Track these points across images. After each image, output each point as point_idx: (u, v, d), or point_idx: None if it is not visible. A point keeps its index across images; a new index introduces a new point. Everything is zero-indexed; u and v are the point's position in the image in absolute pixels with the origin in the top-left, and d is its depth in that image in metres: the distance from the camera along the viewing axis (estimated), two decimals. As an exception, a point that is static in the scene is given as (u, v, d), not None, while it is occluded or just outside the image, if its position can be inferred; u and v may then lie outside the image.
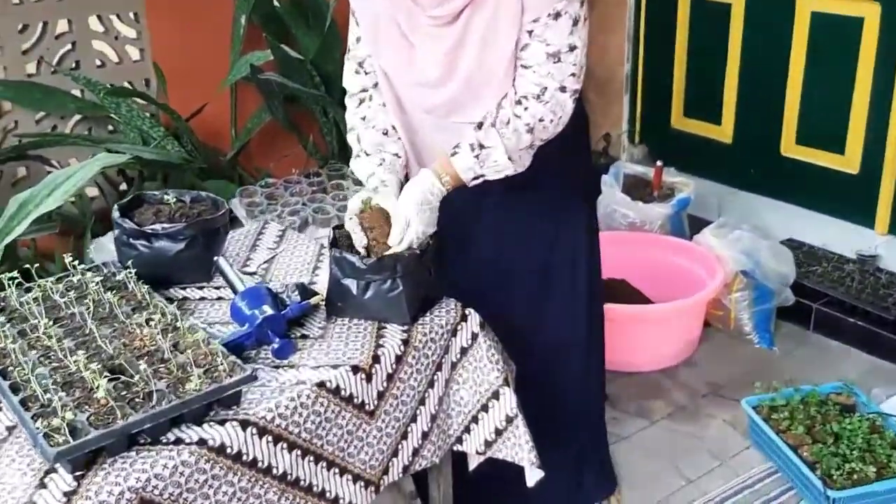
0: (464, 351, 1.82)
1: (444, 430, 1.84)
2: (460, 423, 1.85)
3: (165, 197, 2.02)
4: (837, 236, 3.53)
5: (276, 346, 1.64)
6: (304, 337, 1.74)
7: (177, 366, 1.52)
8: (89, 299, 1.73)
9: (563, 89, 1.76)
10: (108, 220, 3.24)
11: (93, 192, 3.36)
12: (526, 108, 1.76)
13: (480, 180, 1.81)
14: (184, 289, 1.95)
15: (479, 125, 1.79)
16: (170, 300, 1.90)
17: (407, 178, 1.91)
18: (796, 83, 3.61)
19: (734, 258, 3.13)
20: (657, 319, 3.05)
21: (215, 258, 1.91)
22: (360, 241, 1.76)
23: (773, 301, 3.18)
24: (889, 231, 3.43)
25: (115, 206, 2.00)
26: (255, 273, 2.02)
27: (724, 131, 3.96)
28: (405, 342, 1.72)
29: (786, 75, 3.63)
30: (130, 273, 1.79)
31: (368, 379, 1.65)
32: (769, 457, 2.59)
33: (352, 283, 1.75)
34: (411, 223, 1.75)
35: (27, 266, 1.82)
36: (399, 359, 1.70)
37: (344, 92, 2.01)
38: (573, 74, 1.75)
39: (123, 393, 1.46)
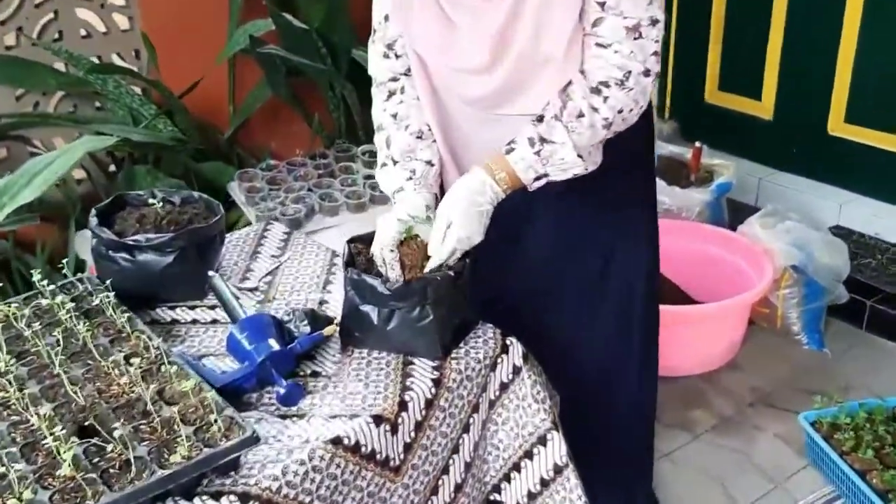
0: (503, 387, 1.54)
1: (479, 479, 1.57)
2: (498, 470, 1.58)
3: (151, 200, 1.73)
4: (892, 224, 3.24)
5: (282, 391, 1.37)
6: (314, 374, 1.46)
7: (161, 423, 1.24)
8: (59, 331, 1.44)
9: (646, 73, 1.45)
10: (95, 206, 3.01)
11: (79, 173, 3.07)
12: (606, 99, 1.46)
13: (543, 182, 1.51)
14: (172, 308, 1.67)
15: (539, 117, 1.49)
16: (156, 323, 1.63)
17: (442, 189, 1.62)
18: (848, 54, 3.30)
19: (784, 251, 2.84)
20: (700, 321, 2.77)
21: (210, 274, 1.63)
22: (394, 276, 1.47)
23: (825, 299, 2.90)
24: (950, 219, 3.16)
25: (93, 211, 1.71)
26: (255, 289, 1.74)
27: (764, 107, 3.65)
28: (436, 382, 1.44)
29: (836, 45, 3.32)
30: (108, 297, 1.50)
31: (394, 430, 1.37)
32: (831, 481, 2.33)
33: (372, 311, 1.46)
34: (454, 224, 1.47)
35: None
36: (430, 403, 1.42)
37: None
38: (655, 53, 1.45)
39: (96, 460, 1.19)
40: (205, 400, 1.28)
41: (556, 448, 1.52)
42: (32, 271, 1.56)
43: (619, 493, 2.06)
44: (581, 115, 1.46)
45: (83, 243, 2.74)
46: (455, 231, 1.46)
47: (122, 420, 1.25)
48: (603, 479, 1.82)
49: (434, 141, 1.64)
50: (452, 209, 1.47)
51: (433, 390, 1.43)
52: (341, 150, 3.20)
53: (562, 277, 1.75)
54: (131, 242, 1.62)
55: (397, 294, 1.43)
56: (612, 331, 1.85)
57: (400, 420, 1.38)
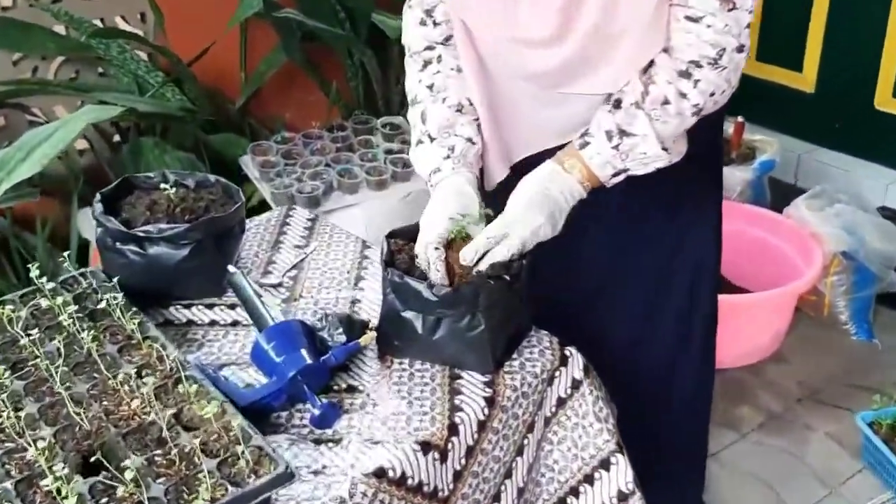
0: (561, 402, 1.37)
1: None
2: (552, 493, 1.41)
3: (163, 185, 1.54)
4: (943, 206, 3.06)
5: (316, 412, 1.19)
6: (350, 389, 1.29)
7: (180, 454, 1.07)
8: (60, 338, 1.26)
9: (740, 48, 1.26)
10: (99, 180, 2.81)
11: (82, 143, 2.88)
12: (697, 82, 1.27)
13: (622, 177, 1.33)
14: (188, 307, 1.49)
15: (616, 103, 1.30)
16: (170, 324, 1.45)
17: (482, 177, 1.44)
18: (898, 23, 3.09)
19: (834, 237, 2.66)
20: (746, 311, 2.59)
21: (230, 270, 1.45)
22: (438, 277, 1.28)
23: (875, 287, 2.72)
24: None
25: (97, 196, 1.53)
26: (279, 285, 1.56)
27: (805, 79, 3.44)
28: (489, 400, 1.26)
29: (886, 13, 3.10)
30: (116, 298, 1.33)
31: (443, 458, 1.20)
32: (891, 486, 2.17)
33: (415, 318, 1.29)
34: (516, 210, 1.29)
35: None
36: (482, 425, 1.25)
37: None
38: (748, 26, 1.26)
39: (104, 501, 1.02)
40: (229, 426, 1.10)
41: (622, 473, 1.35)
42: (30, 266, 1.39)
43: (670, 499, 1.91)
44: (666, 103, 1.27)
45: (86, 221, 2.57)
46: (516, 216, 1.28)
47: (133, 450, 1.09)
48: (652, 485, 1.67)
49: (476, 119, 1.45)
50: (517, 199, 1.30)
51: (486, 410, 1.25)
52: (360, 122, 3.00)
53: (626, 273, 1.57)
54: (141, 234, 1.44)
55: (445, 300, 1.25)
56: (673, 325, 1.69)
57: (450, 446, 1.21)
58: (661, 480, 1.71)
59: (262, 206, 2.75)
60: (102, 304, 1.33)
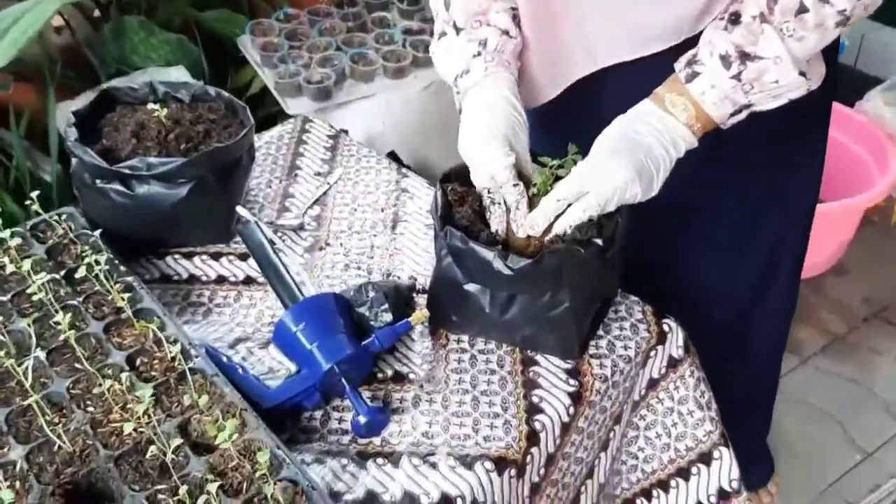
0: (652, 384, 1.12)
1: (608, 495, 1.18)
2: (633, 483, 1.18)
3: (151, 105, 1.23)
4: None
5: (362, 419, 0.94)
6: (397, 378, 1.03)
7: (190, 490, 0.82)
8: (31, 318, 1.00)
9: None
10: (79, 64, 2.48)
11: (57, 19, 2.51)
12: None
13: (744, 115, 1.02)
14: (189, 257, 1.22)
15: (734, 17, 0.98)
16: (168, 280, 1.18)
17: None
18: None
19: (914, 136, 2.36)
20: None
21: (238, 212, 1.17)
22: (522, 216, 1.01)
23: (952, 190, 2.45)
24: None
25: (70, 118, 1.23)
26: (300, 227, 1.27)
27: (874, -55, 3.04)
28: (575, 396, 1.01)
29: None
30: (99, 263, 1.04)
31: (520, 474, 0.96)
32: (973, 425, 1.97)
33: (482, 294, 1.01)
34: (599, 160, 0.99)
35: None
36: (566, 427, 1.00)
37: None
38: None
39: (93, 563, 0.78)
40: (252, 451, 0.85)
41: (726, 469, 1.12)
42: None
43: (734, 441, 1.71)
44: (803, 11, 0.94)
45: (66, 116, 2.25)
46: (593, 168, 0.99)
47: (129, 482, 0.84)
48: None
49: (515, 8, 1.12)
50: (599, 145, 1.00)
51: (571, 409, 1.00)
52: (373, -4, 2.63)
53: (700, 233, 1.29)
54: (127, 171, 1.15)
55: (522, 275, 0.97)
56: (757, 272, 1.43)
57: (528, 458, 0.96)
58: (729, 422, 1.51)
59: (264, 94, 2.44)
60: (82, 272, 1.05)
